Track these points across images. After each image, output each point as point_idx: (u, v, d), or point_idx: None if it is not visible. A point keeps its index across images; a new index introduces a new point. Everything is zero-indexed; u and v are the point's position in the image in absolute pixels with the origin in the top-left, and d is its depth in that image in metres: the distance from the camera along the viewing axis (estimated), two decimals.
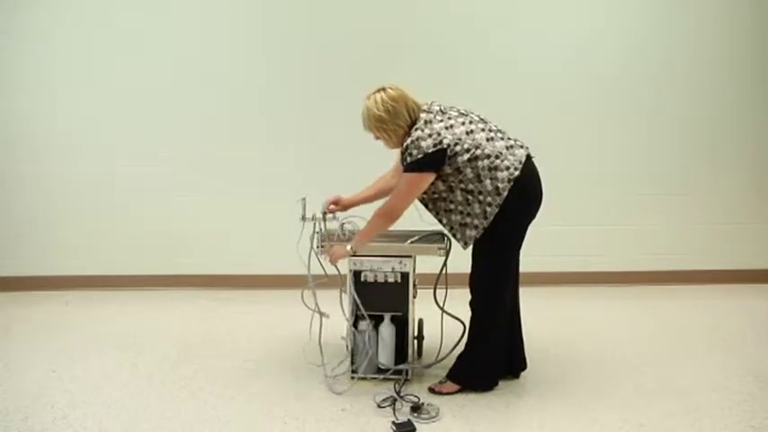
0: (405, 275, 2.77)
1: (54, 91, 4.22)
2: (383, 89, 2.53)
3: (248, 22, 4.22)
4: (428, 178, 2.46)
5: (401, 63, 4.19)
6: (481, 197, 2.48)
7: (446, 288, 2.82)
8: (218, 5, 4.18)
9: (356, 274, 2.79)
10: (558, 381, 2.87)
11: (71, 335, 3.50)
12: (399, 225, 3.02)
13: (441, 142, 2.42)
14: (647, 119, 4.34)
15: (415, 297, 2.86)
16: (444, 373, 2.77)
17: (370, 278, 2.77)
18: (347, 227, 2.93)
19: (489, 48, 4.22)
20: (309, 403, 2.66)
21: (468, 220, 2.52)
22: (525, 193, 2.53)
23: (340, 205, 2.87)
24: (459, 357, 2.75)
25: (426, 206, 2.63)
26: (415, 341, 2.99)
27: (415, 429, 2.42)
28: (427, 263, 2.87)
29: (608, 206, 4.37)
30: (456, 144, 2.43)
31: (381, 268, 2.77)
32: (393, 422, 2.46)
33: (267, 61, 4.24)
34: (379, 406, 2.61)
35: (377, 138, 2.60)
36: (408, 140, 2.45)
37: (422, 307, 3.02)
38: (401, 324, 2.82)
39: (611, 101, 4.31)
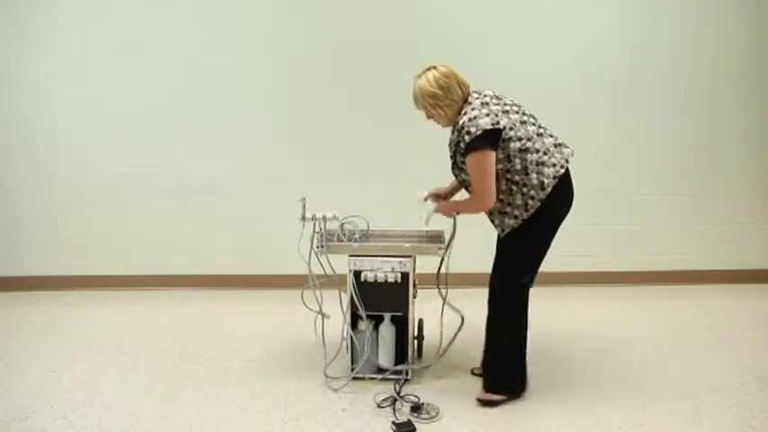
0: (405, 275, 2.77)
1: (54, 91, 4.22)
2: (434, 67, 2.54)
3: (249, 22, 4.22)
4: (491, 155, 2.42)
5: (401, 65, 4.17)
6: (525, 189, 2.46)
7: (446, 287, 2.81)
8: (218, 5, 4.18)
9: (356, 274, 2.79)
10: (559, 380, 2.87)
11: (71, 335, 3.50)
12: (400, 225, 3.04)
13: (498, 123, 2.41)
14: (647, 119, 4.34)
15: (415, 297, 2.86)
16: (444, 374, 2.77)
17: (370, 278, 2.77)
18: (347, 227, 2.93)
19: (490, 48, 4.22)
20: (309, 403, 2.66)
21: (507, 209, 2.51)
22: (564, 193, 2.53)
23: (440, 192, 2.87)
24: (488, 362, 2.70)
25: (467, 189, 2.63)
26: (415, 341, 2.99)
27: (415, 429, 2.42)
28: (428, 263, 2.87)
29: (608, 206, 4.37)
30: (511, 129, 2.44)
31: (381, 268, 2.77)
32: (393, 422, 2.46)
33: (267, 61, 4.24)
34: (379, 406, 2.61)
35: (429, 116, 2.60)
36: (464, 119, 2.44)
37: (422, 307, 3.02)
38: (401, 324, 2.82)
39: (611, 101, 4.31)
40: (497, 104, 2.49)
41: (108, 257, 4.37)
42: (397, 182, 4.20)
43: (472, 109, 2.45)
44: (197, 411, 2.59)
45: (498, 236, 2.60)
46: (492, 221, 2.59)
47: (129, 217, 4.34)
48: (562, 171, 2.49)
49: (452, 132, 2.55)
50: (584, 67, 4.26)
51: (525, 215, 2.48)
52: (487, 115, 2.42)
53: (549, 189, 2.45)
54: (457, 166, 2.58)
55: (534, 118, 2.56)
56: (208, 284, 4.39)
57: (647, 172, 4.40)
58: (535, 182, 2.45)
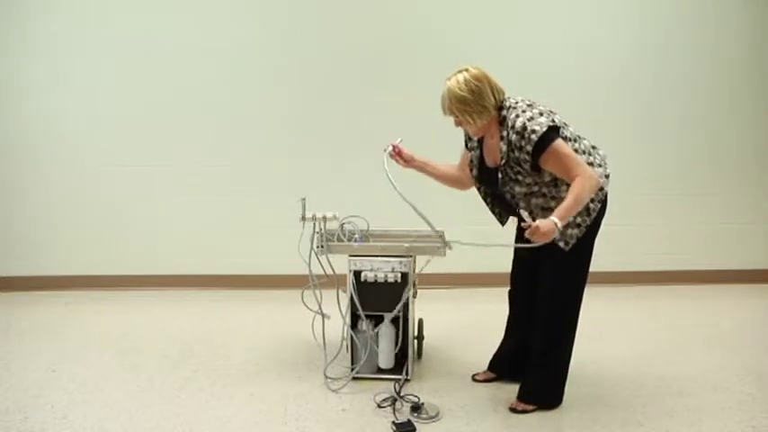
0: (405, 275, 2.77)
1: (53, 91, 4.22)
2: (465, 69, 2.34)
3: (248, 24, 4.22)
4: (565, 144, 2.27)
5: (401, 65, 4.19)
6: None
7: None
8: (218, 6, 4.18)
9: (356, 274, 2.78)
10: None
11: (71, 335, 3.50)
12: (400, 225, 3.03)
13: (553, 120, 2.29)
14: (647, 119, 4.34)
15: (415, 297, 2.86)
16: (445, 374, 2.76)
17: (370, 278, 2.77)
18: (347, 227, 2.93)
19: (490, 49, 4.22)
20: (309, 403, 2.66)
21: (569, 219, 2.30)
22: (605, 195, 2.46)
23: (402, 156, 2.68)
24: (533, 374, 2.60)
25: (517, 204, 2.41)
26: (415, 341, 2.99)
27: (414, 429, 2.42)
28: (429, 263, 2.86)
29: (608, 206, 4.36)
30: (563, 128, 2.35)
31: (381, 268, 2.76)
32: (393, 422, 2.45)
33: (268, 62, 4.24)
34: (379, 406, 2.60)
35: (458, 124, 2.41)
36: (521, 120, 2.26)
37: (422, 307, 3.02)
38: (401, 324, 2.82)
39: (611, 101, 4.31)
40: (539, 107, 2.36)
41: (108, 257, 4.37)
42: (398, 182, 4.19)
43: (523, 111, 2.31)
44: (197, 411, 2.59)
45: (548, 253, 2.38)
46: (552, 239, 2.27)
47: (129, 217, 4.34)
48: (608, 171, 2.43)
49: (505, 143, 2.32)
50: (584, 68, 4.26)
51: (588, 220, 2.38)
52: (541, 114, 2.29)
53: (606, 188, 2.40)
54: (509, 178, 2.37)
55: (566, 123, 2.45)
56: (208, 284, 4.38)
57: (647, 172, 4.39)
58: None
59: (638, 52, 4.27)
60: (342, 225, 2.91)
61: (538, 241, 2.21)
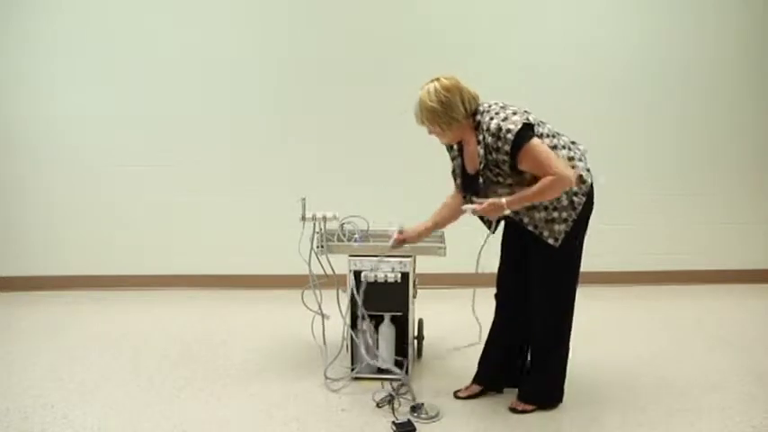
0: (405, 275, 2.76)
1: (53, 91, 4.22)
2: (437, 79, 2.35)
3: (249, 24, 4.22)
4: (541, 142, 2.29)
5: (401, 65, 4.19)
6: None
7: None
8: (218, 6, 4.18)
9: (356, 274, 2.78)
10: None
11: (71, 335, 3.50)
12: (399, 225, 3.03)
13: (527, 119, 2.30)
14: (647, 119, 4.34)
15: (415, 297, 2.86)
16: (445, 374, 2.76)
17: (370, 278, 2.77)
18: (347, 227, 2.93)
19: (489, 50, 4.22)
20: (309, 403, 2.66)
21: (555, 214, 2.36)
22: (592, 187, 2.46)
23: (406, 237, 2.67)
24: (533, 375, 2.61)
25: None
26: (415, 341, 2.99)
27: (414, 429, 2.42)
28: (428, 263, 2.86)
29: (608, 206, 4.32)
30: (538, 125, 2.35)
31: (381, 268, 2.76)
32: (393, 422, 2.45)
33: (267, 62, 4.24)
34: (378, 406, 2.60)
35: (430, 133, 2.43)
36: (495, 122, 2.28)
37: (422, 307, 3.02)
38: (401, 324, 2.82)
39: (611, 101, 4.30)
40: (512, 107, 2.37)
41: (108, 257, 4.37)
42: (398, 182, 4.20)
43: (496, 113, 2.32)
44: (197, 411, 2.59)
45: (538, 252, 2.44)
46: (540, 235, 2.39)
47: (128, 217, 4.34)
48: (589, 165, 2.44)
49: (482, 146, 2.34)
50: (584, 68, 4.26)
51: (574, 215, 2.38)
52: (515, 113, 2.31)
53: (589, 180, 2.40)
54: (490, 182, 2.39)
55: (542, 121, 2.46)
56: (208, 284, 4.38)
57: (647, 172, 4.39)
58: (574, 177, 2.34)
59: (638, 52, 4.27)
60: (342, 225, 2.91)
61: (486, 214, 2.37)
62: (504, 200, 2.31)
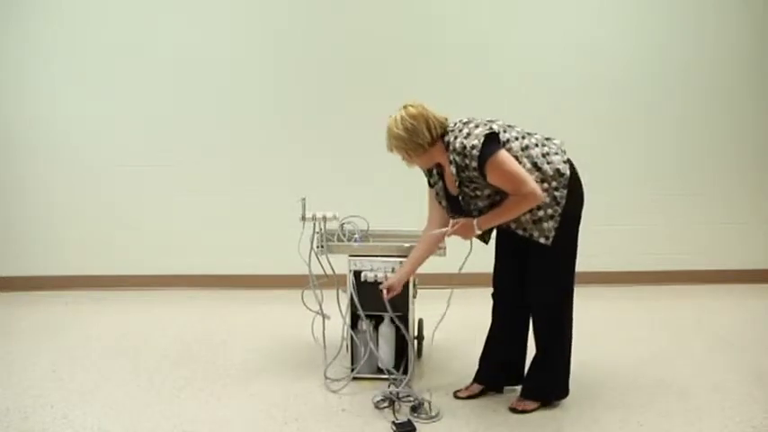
0: None
1: (54, 91, 4.22)
2: (405, 107, 2.43)
3: (249, 25, 4.22)
4: (507, 154, 2.33)
5: (401, 65, 4.19)
6: (545, 184, 2.38)
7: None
8: (218, 6, 4.18)
9: (356, 274, 2.78)
10: None
11: (71, 335, 3.50)
12: (400, 225, 3.03)
13: (491, 129, 2.35)
14: (647, 119, 4.34)
15: (415, 297, 2.86)
16: (445, 374, 2.76)
17: (370, 278, 2.76)
18: (347, 227, 2.93)
19: (489, 50, 4.22)
20: (309, 403, 2.66)
21: (540, 213, 2.39)
22: (577, 179, 2.47)
23: (392, 289, 2.68)
24: (535, 372, 2.61)
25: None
26: (415, 341, 2.99)
27: (414, 429, 2.42)
28: (428, 263, 2.86)
29: (608, 206, 4.37)
30: (504, 131, 2.39)
31: (381, 268, 2.76)
32: (393, 422, 2.45)
33: (267, 63, 4.24)
34: (378, 406, 2.60)
35: (403, 158, 2.50)
36: (459, 141, 2.35)
37: (422, 307, 3.02)
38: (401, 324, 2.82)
39: (611, 101, 4.31)
40: (475, 120, 2.42)
41: (108, 257, 4.37)
42: (398, 182, 4.19)
43: (460, 130, 2.38)
44: (197, 411, 2.59)
45: (532, 252, 2.47)
46: (530, 236, 2.42)
47: (129, 217, 4.34)
48: (566, 156, 2.45)
49: (453, 166, 2.39)
50: (584, 68, 4.26)
51: (559, 208, 2.40)
52: (477, 127, 2.37)
53: (568, 173, 2.41)
54: (469, 197, 2.45)
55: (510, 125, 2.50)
56: (208, 284, 4.39)
57: (647, 172, 4.39)
58: (551, 172, 2.38)
59: (638, 52, 4.27)
60: (342, 225, 2.91)
61: (458, 235, 2.49)
62: (474, 221, 2.42)
